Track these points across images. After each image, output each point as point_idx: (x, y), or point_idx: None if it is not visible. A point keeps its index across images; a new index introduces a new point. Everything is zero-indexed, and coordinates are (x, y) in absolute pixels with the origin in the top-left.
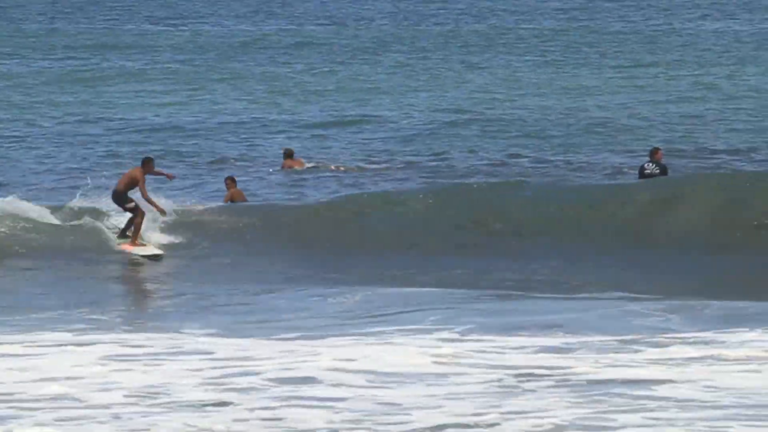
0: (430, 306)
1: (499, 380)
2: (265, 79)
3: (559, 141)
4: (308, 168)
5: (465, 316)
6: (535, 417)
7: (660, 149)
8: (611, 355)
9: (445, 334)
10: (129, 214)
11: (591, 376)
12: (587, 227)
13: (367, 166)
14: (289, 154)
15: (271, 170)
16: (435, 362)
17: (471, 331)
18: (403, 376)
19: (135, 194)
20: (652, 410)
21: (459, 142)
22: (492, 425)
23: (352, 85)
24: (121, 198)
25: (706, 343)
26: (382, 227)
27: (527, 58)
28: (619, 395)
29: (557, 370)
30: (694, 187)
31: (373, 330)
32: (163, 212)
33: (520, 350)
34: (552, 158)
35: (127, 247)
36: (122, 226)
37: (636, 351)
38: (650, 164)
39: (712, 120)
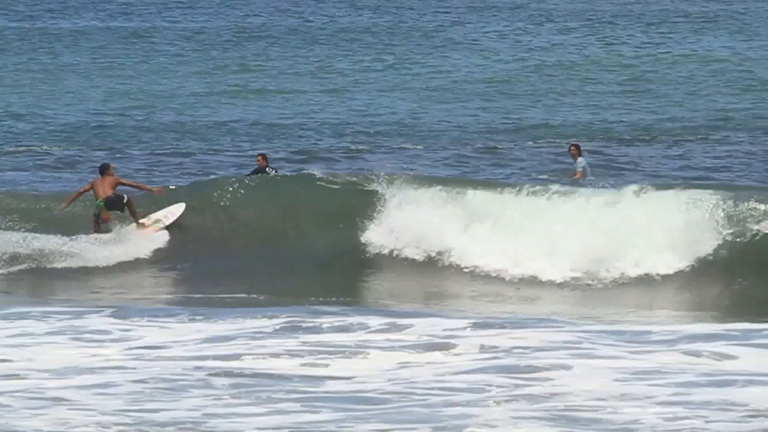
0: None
1: (154, 377)
2: None
3: (198, 141)
4: None
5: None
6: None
7: (263, 154)
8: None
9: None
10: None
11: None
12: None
13: None
14: None
15: None
16: (93, 356)
17: (117, 319)
18: (63, 372)
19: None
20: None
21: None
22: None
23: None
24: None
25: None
26: None
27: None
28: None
29: (218, 362)
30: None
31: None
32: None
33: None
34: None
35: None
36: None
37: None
38: (270, 169)
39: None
